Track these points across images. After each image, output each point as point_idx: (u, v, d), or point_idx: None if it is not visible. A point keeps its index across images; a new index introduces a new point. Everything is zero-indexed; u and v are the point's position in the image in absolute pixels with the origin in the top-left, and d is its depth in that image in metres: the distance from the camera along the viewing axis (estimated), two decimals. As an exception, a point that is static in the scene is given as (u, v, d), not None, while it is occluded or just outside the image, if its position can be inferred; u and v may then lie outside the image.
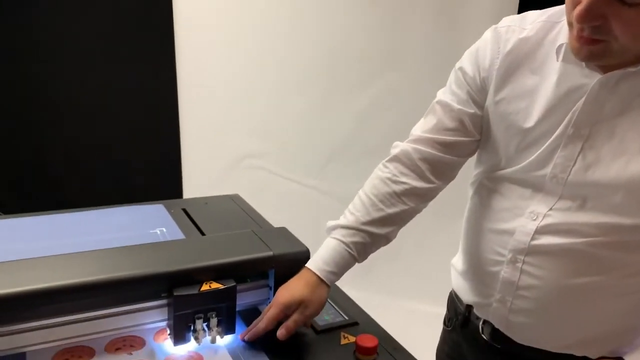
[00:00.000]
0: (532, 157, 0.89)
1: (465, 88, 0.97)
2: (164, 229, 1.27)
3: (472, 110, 0.97)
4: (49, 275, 0.85)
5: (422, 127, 1.01)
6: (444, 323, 1.18)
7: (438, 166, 1.00)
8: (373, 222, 0.98)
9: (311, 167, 2.75)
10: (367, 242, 0.98)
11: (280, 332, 0.93)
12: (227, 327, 0.94)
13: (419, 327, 2.18)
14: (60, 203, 1.64)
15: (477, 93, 0.96)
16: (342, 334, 0.98)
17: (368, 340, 0.92)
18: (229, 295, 0.92)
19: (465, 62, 0.97)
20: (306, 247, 1.01)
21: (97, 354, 0.88)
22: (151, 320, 0.92)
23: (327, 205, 2.71)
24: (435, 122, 0.99)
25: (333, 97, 2.69)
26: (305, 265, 0.98)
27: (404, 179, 0.99)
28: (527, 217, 0.90)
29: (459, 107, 0.97)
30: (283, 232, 1.08)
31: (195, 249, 1.00)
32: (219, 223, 1.35)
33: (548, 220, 0.88)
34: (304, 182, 2.75)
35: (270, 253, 0.98)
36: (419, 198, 1.00)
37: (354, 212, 0.99)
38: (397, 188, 0.99)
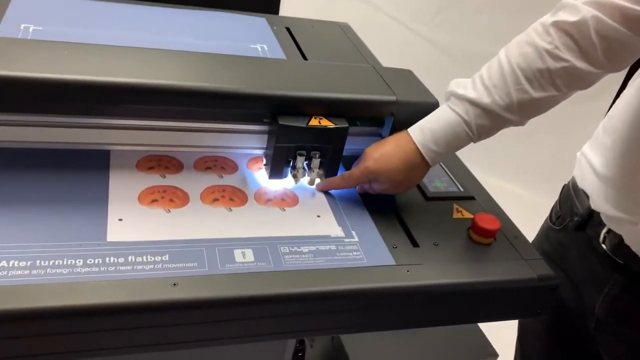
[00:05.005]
0: None
1: None
2: (265, 47, 1.11)
3: None
4: (140, 70, 0.73)
5: None
6: (550, 219, 0.99)
7: (617, 48, 0.71)
8: (510, 107, 0.72)
9: (422, 12, 2.44)
10: (494, 126, 0.75)
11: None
12: (329, 171, 0.82)
13: (515, 214, 2.03)
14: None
15: None
16: (456, 206, 0.84)
17: (489, 222, 0.77)
18: (338, 137, 0.79)
19: None
20: (435, 99, 0.84)
21: (185, 168, 0.79)
22: (247, 145, 0.81)
23: (436, 59, 2.41)
24: None
25: None
26: (409, 130, 0.78)
27: (567, 56, 0.70)
28: None
29: None
30: (409, 75, 0.90)
31: (304, 75, 0.85)
32: (325, 52, 1.17)
33: None
34: (412, 27, 2.46)
35: (394, 97, 0.81)
36: (575, 83, 0.73)
37: (489, 86, 0.73)
38: (555, 66, 0.71)
